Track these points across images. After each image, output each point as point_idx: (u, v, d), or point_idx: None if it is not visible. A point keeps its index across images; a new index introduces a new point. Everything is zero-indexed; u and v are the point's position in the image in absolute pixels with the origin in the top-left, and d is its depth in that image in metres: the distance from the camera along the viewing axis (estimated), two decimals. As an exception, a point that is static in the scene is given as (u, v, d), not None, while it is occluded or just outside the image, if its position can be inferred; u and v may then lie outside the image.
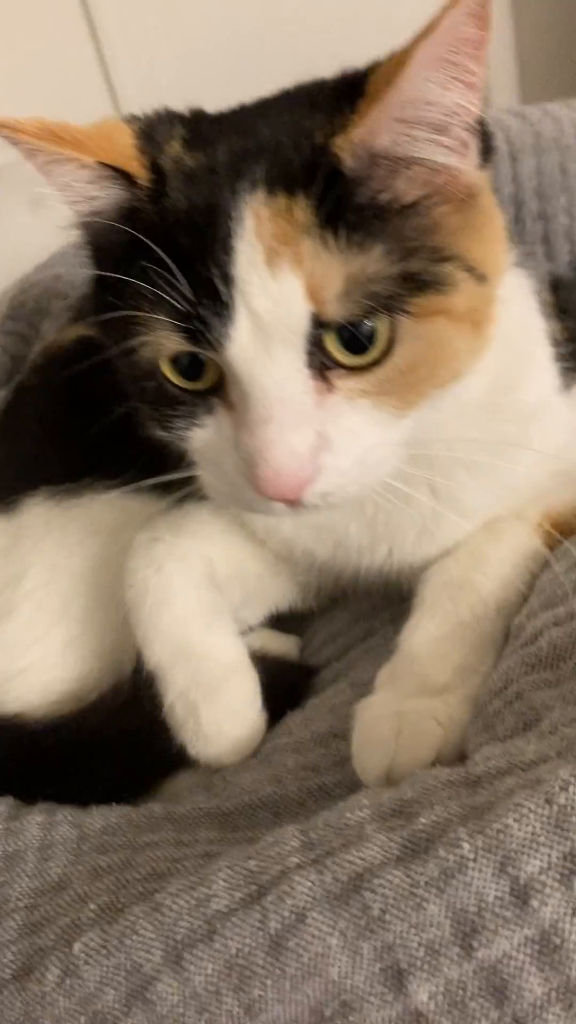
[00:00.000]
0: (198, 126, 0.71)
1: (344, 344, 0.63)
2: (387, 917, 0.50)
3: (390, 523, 0.82)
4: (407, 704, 0.71)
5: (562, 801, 0.50)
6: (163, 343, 0.65)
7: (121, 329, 0.67)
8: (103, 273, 0.69)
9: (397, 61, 0.61)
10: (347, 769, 0.73)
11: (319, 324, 0.62)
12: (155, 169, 0.67)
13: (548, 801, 0.50)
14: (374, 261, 0.61)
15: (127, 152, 0.67)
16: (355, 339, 0.63)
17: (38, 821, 0.76)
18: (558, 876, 0.49)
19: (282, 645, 0.96)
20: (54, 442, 0.98)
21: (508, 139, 1.25)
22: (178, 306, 0.63)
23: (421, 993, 0.49)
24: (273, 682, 0.85)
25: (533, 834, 0.50)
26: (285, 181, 0.62)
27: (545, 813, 0.50)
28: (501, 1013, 0.48)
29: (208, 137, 0.68)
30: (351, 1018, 0.50)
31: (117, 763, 0.83)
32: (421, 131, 0.63)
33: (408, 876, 0.51)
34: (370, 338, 0.63)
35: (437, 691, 0.72)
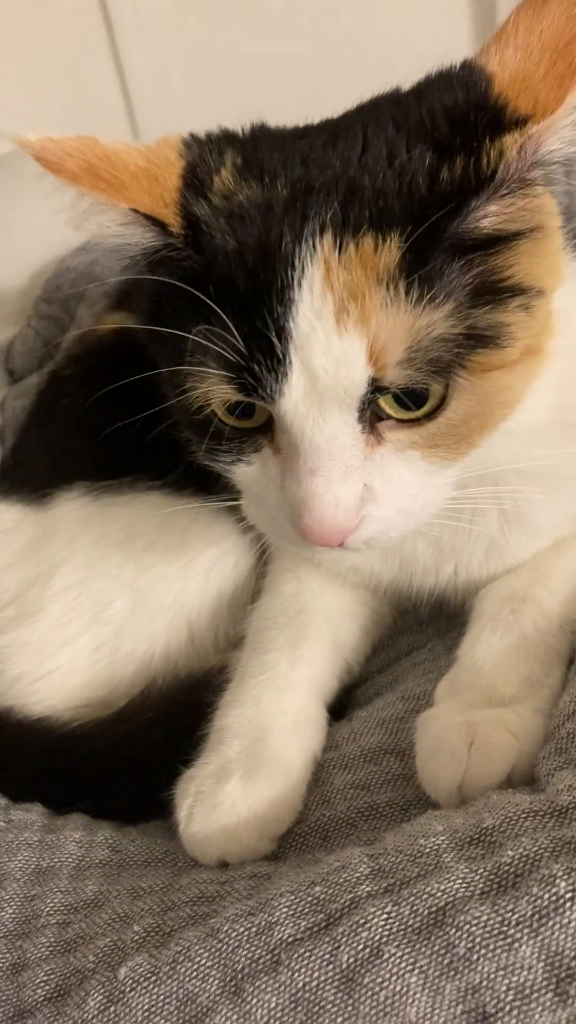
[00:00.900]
0: (255, 149, 0.65)
1: (396, 400, 0.60)
2: (474, 956, 0.47)
3: (457, 543, 0.79)
4: (477, 715, 0.67)
5: None
6: (214, 393, 0.62)
7: (172, 372, 0.64)
8: (150, 328, 0.66)
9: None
10: (399, 787, 0.70)
11: (376, 388, 0.59)
12: (191, 219, 0.62)
13: None
14: (442, 320, 0.57)
15: (168, 196, 0.63)
16: (409, 395, 0.60)
17: (76, 839, 0.72)
18: None
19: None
20: (92, 436, 0.94)
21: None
22: (229, 358, 0.59)
23: (509, 1041, 0.45)
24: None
25: None
26: (373, 220, 0.57)
27: None
28: (597, 1067, 0.44)
29: (266, 165, 0.63)
30: (429, 1063, 0.46)
31: (147, 776, 0.79)
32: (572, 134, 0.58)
33: (497, 913, 0.48)
34: (424, 395, 0.60)
35: (505, 703, 0.69)
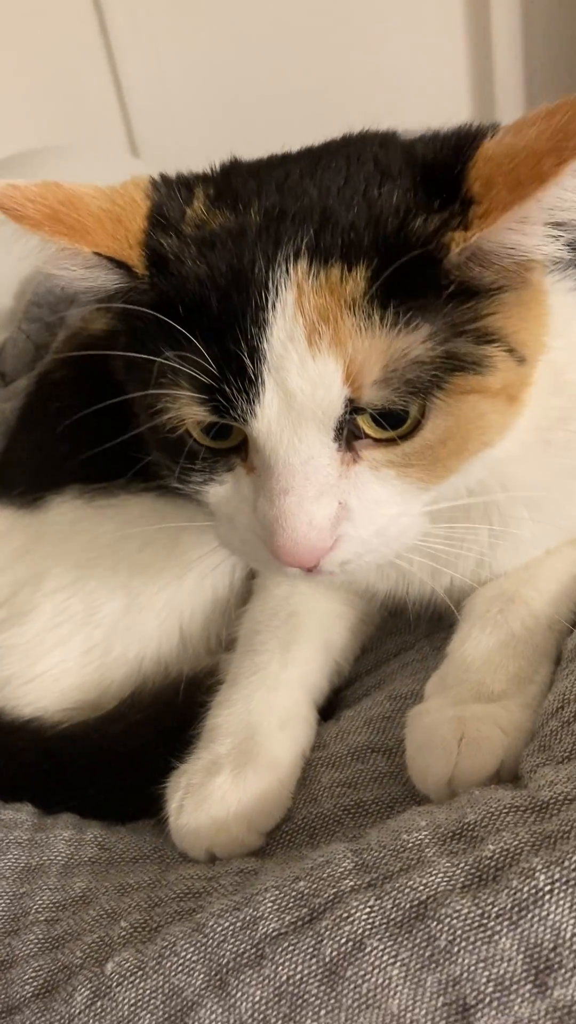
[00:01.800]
0: (228, 180, 0.67)
1: (374, 419, 0.61)
2: (454, 949, 0.48)
3: (450, 555, 0.80)
4: (467, 709, 0.68)
5: None
6: (186, 415, 0.63)
7: (144, 396, 0.65)
8: (123, 354, 0.66)
9: (533, 173, 0.55)
10: (385, 785, 0.71)
11: (354, 409, 0.59)
12: (156, 255, 0.63)
13: (629, 833, 0.48)
14: (419, 343, 0.58)
15: (132, 238, 0.64)
16: (385, 414, 0.61)
17: (65, 837, 0.73)
18: None
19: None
20: (84, 439, 0.94)
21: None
22: (201, 380, 0.60)
23: (488, 1032, 0.46)
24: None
25: (613, 867, 0.47)
26: (344, 252, 0.58)
27: (625, 846, 0.48)
28: (577, 1057, 0.45)
29: (239, 193, 0.64)
30: (411, 1055, 0.47)
31: (137, 776, 0.79)
32: (542, 228, 0.58)
33: (477, 906, 0.48)
34: (402, 415, 0.61)
35: (494, 698, 0.70)
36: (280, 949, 0.51)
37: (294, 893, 0.54)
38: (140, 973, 0.54)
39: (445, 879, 0.50)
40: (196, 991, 0.52)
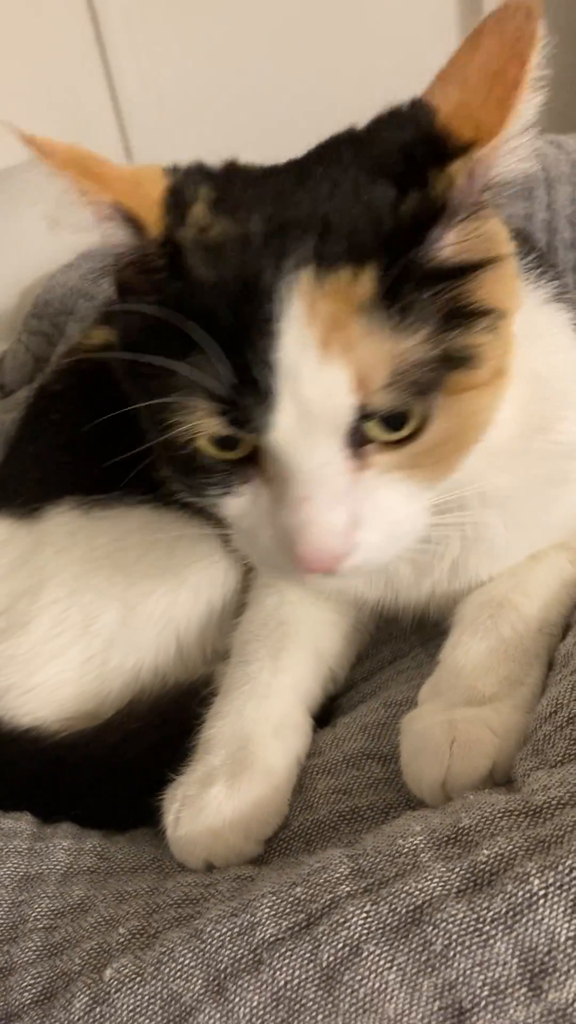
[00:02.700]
0: (229, 186, 0.66)
1: (381, 423, 0.62)
2: (450, 953, 0.48)
3: (425, 562, 0.81)
4: (458, 713, 0.69)
5: None
6: (201, 427, 0.63)
7: (154, 409, 0.64)
8: (133, 358, 0.64)
9: (511, 82, 0.58)
10: (380, 791, 0.71)
11: (364, 415, 0.60)
12: (170, 237, 0.63)
13: (623, 837, 0.48)
14: (419, 344, 0.59)
15: (150, 202, 0.64)
16: (391, 418, 0.61)
17: (64, 846, 0.73)
18: None
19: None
20: (82, 451, 0.95)
21: (545, 167, 1.25)
22: (218, 392, 0.60)
23: (484, 1035, 0.47)
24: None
25: (607, 872, 0.48)
26: (349, 253, 0.59)
27: (619, 850, 0.48)
28: (571, 1059, 0.45)
29: (240, 201, 0.64)
30: (407, 1059, 0.47)
31: (135, 785, 0.79)
32: (524, 140, 0.60)
33: (472, 911, 0.49)
34: (406, 418, 0.62)
35: (485, 701, 0.71)
36: (277, 954, 0.52)
37: (291, 899, 0.54)
38: (139, 979, 0.54)
39: (440, 884, 0.51)
40: (194, 996, 0.52)
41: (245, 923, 0.54)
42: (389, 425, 0.62)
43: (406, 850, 0.54)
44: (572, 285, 1.18)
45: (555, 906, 0.47)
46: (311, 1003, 0.50)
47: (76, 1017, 0.55)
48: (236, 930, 0.54)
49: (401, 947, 0.49)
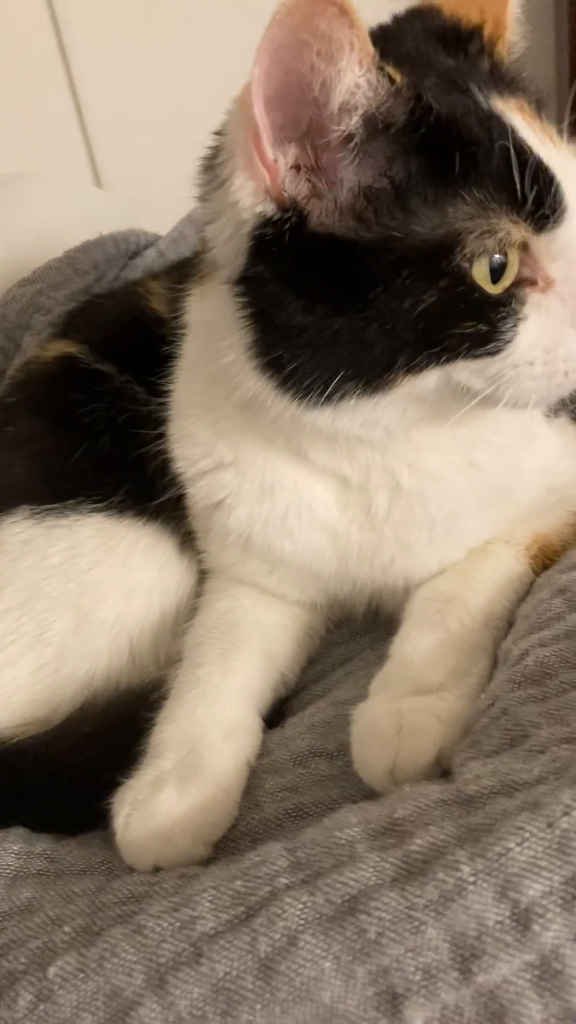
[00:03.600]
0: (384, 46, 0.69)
1: None
2: (383, 940, 0.49)
3: (397, 531, 0.84)
4: (405, 703, 0.71)
5: (564, 826, 0.50)
6: (510, 238, 0.65)
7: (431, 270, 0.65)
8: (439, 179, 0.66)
9: None
10: (326, 787, 0.72)
11: None
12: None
13: (550, 825, 0.50)
14: None
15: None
16: None
17: (14, 850, 0.74)
18: (560, 901, 0.48)
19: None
20: (36, 461, 0.96)
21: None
22: (516, 197, 0.64)
23: (416, 1019, 0.48)
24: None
25: (534, 858, 0.49)
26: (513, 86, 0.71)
27: (547, 837, 0.50)
28: (499, 1039, 0.47)
29: (402, 55, 0.70)
30: (343, 1044, 0.48)
31: (86, 789, 0.80)
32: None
33: (405, 899, 0.50)
34: None
35: (433, 691, 0.73)
36: (217, 947, 0.52)
37: (231, 892, 0.55)
38: (82, 975, 0.55)
39: (375, 873, 0.52)
40: (136, 991, 0.53)
41: (186, 917, 0.55)
42: None
43: (343, 842, 0.55)
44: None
45: (484, 892, 0.49)
46: (249, 993, 0.51)
47: (20, 1015, 0.55)
48: (177, 924, 0.55)
49: (336, 936, 0.50)
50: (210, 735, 0.77)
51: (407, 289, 0.65)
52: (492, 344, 0.67)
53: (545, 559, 0.86)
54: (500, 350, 0.67)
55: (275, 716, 0.85)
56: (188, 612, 0.96)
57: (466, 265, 0.65)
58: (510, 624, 0.79)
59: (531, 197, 0.64)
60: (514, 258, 0.66)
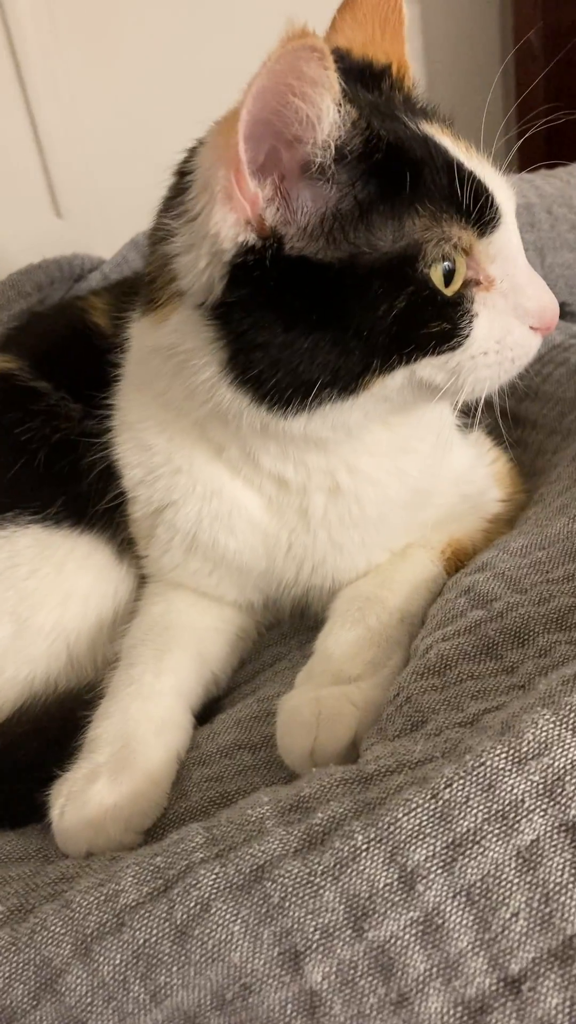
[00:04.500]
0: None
1: None
2: (286, 904, 0.54)
3: (332, 533, 0.91)
4: (324, 691, 0.77)
5: (446, 796, 0.55)
6: (459, 243, 0.73)
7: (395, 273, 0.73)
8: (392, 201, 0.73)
9: (397, 22, 0.87)
10: (249, 776, 0.78)
11: None
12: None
13: (434, 796, 0.55)
14: None
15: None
16: None
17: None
18: (441, 863, 0.53)
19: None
20: None
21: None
22: (461, 208, 0.73)
23: (316, 974, 0.53)
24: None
25: (420, 826, 0.54)
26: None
27: (431, 807, 0.55)
28: (387, 989, 0.52)
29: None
30: (250, 1000, 0.53)
31: (25, 784, 0.84)
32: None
33: (306, 866, 0.55)
34: None
35: (351, 681, 0.79)
36: (137, 916, 0.57)
37: (151, 867, 0.60)
38: (14, 949, 0.60)
39: (280, 845, 0.57)
40: (63, 960, 0.58)
41: (110, 891, 0.60)
42: None
43: (254, 819, 0.61)
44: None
45: (375, 857, 0.54)
46: (167, 956, 0.56)
47: (-44, 988, 0.60)
48: (102, 898, 0.59)
49: (244, 902, 0.55)
50: (142, 731, 0.82)
51: (379, 298, 0.72)
52: (455, 340, 0.75)
53: (458, 562, 0.92)
54: (460, 344, 0.76)
55: (207, 713, 0.90)
56: (126, 616, 1.00)
57: (427, 271, 0.73)
58: (423, 622, 0.85)
59: (474, 206, 0.73)
60: (461, 262, 0.74)
